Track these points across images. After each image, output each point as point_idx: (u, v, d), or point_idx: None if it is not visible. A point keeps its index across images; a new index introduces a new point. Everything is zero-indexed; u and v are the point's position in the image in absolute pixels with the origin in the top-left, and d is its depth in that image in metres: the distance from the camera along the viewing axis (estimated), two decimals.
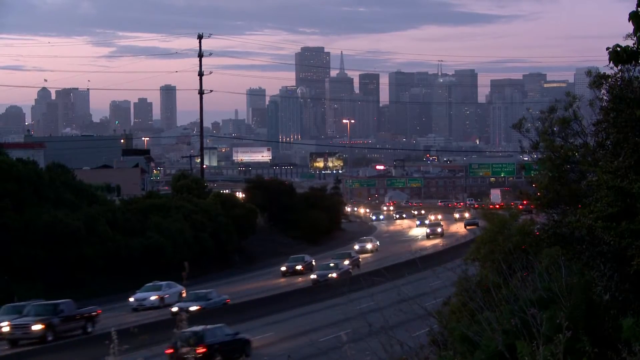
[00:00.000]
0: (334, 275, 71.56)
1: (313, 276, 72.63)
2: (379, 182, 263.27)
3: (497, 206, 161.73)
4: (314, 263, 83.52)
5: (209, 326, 39.38)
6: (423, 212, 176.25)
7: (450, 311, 22.14)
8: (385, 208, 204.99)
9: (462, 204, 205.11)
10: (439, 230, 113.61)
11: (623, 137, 14.31)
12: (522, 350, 11.78)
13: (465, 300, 19.42)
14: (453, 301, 24.90)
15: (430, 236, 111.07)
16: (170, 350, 35.00)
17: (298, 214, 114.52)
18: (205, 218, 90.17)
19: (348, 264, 78.42)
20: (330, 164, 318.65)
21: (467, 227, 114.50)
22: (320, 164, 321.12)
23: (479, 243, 31.40)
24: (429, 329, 18.80)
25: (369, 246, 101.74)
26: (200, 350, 36.03)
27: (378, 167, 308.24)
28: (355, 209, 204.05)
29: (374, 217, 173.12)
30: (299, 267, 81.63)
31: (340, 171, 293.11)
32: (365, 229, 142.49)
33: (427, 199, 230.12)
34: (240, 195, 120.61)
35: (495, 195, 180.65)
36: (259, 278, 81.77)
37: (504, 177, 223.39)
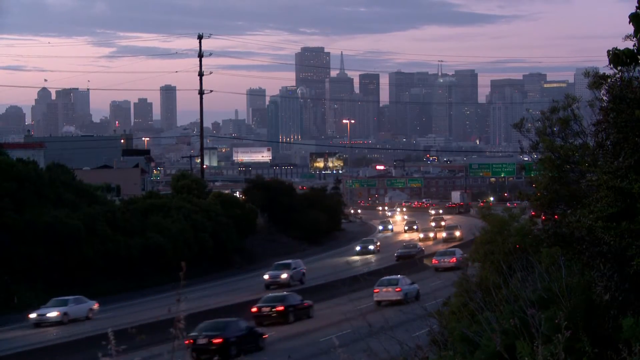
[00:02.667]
0: None
1: None
2: (379, 182, 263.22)
3: (455, 205, 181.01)
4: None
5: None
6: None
7: (450, 311, 22.13)
8: (433, 211, 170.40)
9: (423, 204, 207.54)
10: (284, 276, 70.66)
11: (623, 137, 14.30)
12: (522, 351, 11.77)
13: (465, 301, 19.42)
14: (453, 301, 24.88)
15: (272, 286, 69.34)
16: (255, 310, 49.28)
17: (298, 214, 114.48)
18: (205, 218, 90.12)
19: None
20: (330, 164, 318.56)
21: (400, 259, 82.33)
22: (320, 164, 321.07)
23: (478, 244, 31.39)
24: (429, 329, 18.80)
25: (52, 314, 58.26)
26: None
27: (378, 167, 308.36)
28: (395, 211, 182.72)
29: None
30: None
31: (340, 171, 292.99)
32: (366, 230, 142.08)
33: (427, 198, 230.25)
34: (240, 195, 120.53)
35: (456, 195, 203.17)
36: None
37: (504, 177, 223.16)
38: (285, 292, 55.13)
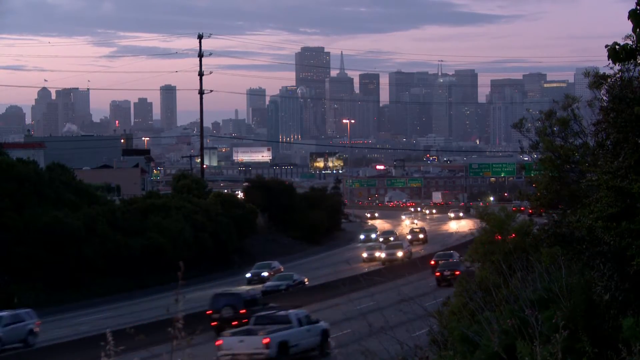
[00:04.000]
0: None
1: None
2: (379, 182, 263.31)
3: (435, 203, 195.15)
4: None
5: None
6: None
7: (450, 311, 22.12)
8: (452, 214, 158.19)
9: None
10: None
11: (623, 137, 14.30)
12: (521, 350, 11.77)
13: (465, 301, 19.42)
14: (453, 301, 24.87)
15: None
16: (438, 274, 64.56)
17: (298, 214, 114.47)
18: (205, 218, 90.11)
19: None
20: (330, 164, 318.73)
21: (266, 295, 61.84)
22: (320, 164, 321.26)
23: (478, 243, 31.39)
24: (429, 329, 18.80)
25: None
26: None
27: (378, 167, 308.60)
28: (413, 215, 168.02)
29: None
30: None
31: (340, 171, 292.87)
32: (365, 229, 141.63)
33: (427, 198, 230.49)
34: (240, 195, 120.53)
35: (437, 195, 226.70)
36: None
37: (504, 177, 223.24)
38: (450, 251, 74.15)
